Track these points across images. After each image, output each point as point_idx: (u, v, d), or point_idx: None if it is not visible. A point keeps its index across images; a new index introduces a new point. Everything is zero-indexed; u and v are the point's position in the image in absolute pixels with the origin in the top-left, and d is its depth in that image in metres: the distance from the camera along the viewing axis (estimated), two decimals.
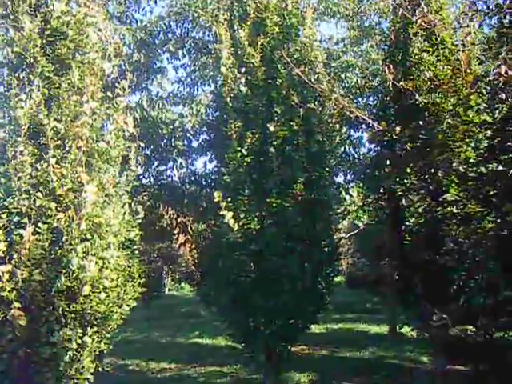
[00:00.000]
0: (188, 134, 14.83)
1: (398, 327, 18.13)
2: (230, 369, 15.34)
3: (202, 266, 13.01)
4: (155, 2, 15.88)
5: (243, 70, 11.16)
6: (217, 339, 19.92)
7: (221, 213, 10.42)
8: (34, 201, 8.65)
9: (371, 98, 17.28)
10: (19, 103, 9.04)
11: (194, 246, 14.97)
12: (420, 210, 11.41)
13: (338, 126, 12.60)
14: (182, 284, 42.17)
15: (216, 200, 10.42)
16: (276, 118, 10.85)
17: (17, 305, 8.26)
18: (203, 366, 16.06)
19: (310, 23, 11.99)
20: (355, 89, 16.66)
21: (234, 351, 16.41)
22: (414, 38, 12.24)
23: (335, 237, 12.03)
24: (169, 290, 41.54)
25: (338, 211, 12.96)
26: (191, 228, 15.41)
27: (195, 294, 32.18)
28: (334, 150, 12.07)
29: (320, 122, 11.31)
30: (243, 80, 11.09)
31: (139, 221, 10.20)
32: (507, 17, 7.67)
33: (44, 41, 9.60)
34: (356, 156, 17.02)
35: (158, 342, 20.66)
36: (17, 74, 9.41)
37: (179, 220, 15.90)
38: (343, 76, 16.95)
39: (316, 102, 11.23)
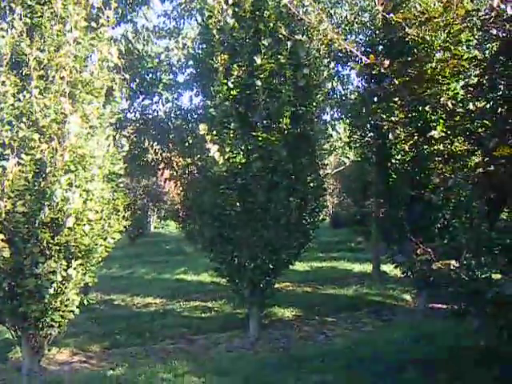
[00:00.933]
0: (174, 68, 14.62)
1: (381, 266, 18.30)
2: (214, 304, 15.44)
3: (186, 201, 12.93)
4: None
5: (230, 1, 10.90)
6: (202, 275, 20.06)
7: (206, 146, 10.34)
8: (17, 132, 8.55)
9: (360, 36, 17.01)
10: (0, 32, 8.86)
11: (179, 181, 14.89)
12: (406, 147, 11.37)
13: (325, 60, 12.41)
14: (168, 221, 42.25)
15: (202, 133, 10.33)
16: (263, 51, 10.65)
17: (0, 236, 8.24)
18: (188, 301, 16.15)
19: None
20: (344, 24, 16.38)
21: (218, 287, 16.60)
22: None
23: (321, 172, 11.94)
24: (154, 227, 41.65)
25: (324, 147, 12.86)
26: (176, 163, 15.28)
27: (181, 231, 32.36)
28: (321, 85, 11.85)
29: (308, 55, 11.11)
30: (230, 12, 10.86)
31: (124, 154, 10.10)
32: None
33: None
34: (343, 93, 16.87)
35: (143, 278, 20.79)
36: None
37: (164, 155, 15.77)
38: (332, 11, 16.64)
39: (304, 35, 11.01)
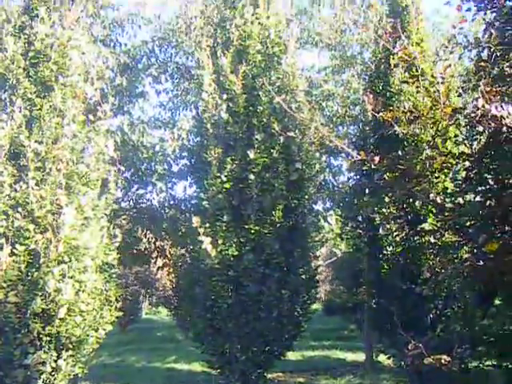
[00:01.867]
0: (168, 159, 14.84)
1: (374, 355, 18.10)
2: None
3: (179, 290, 12.93)
4: (139, 27, 15.92)
5: (224, 96, 11.21)
6: (193, 365, 19.75)
7: (199, 238, 10.43)
8: (13, 222, 8.67)
9: (351, 127, 17.40)
10: (0, 124, 9.06)
11: (171, 270, 14.92)
12: (398, 238, 11.49)
13: (317, 154, 12.68)
14: (160, 308, 41.82)
15: (195, 225, 10.44)
16: (256, 145, 10.90)
17: None
18: None
19: (293, 52, 12.10)
20: (336, 117, 16.79)
21: (209, 377, 16.35)
22: (394, 69, 12.38)
23: (313, 264, 12.00)
24: (146, 313, 41.17)
25: (316, 239, 12.96)
26: (169, 252, 15.37)
27: (172, 318, 32.01)
28: (313, 178, 12.08)
29: (300, 149, 11.37)
30: (224, 107, 11.15)
31: (117, 244, 10.18)
32: (485, 51, 7.81)
33: (27, 62, 9.71)
34: (335, 184, 17.11)
35: (133, 367, 20.45)
36: None
37: (157, 244, 15.86)
38: (324, 104, 17.09)
39: (296, 130, 11.28)
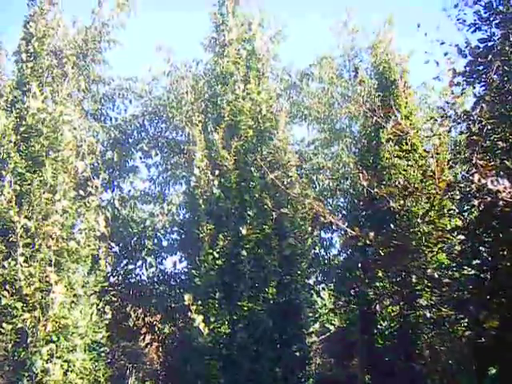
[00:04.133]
0: (158, 233, 14.71)
1: None
2: None
3: (168, 367, 12.64)
4: (130, 102, 15.96)
5: (216, 172, 11.18)
6: None
7: (191, 316, 10.21)
8: (0, 300, 8.44)
9: (341, 199, 17.36)
10: None
11: (160, 346, 14.63)
12: (393, 314, 11.35)
13: (309, 228, 12.60)
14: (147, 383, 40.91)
15: (186, 303, 10.22)
16: (248, 221, 10.85)
17: None
18: None
19: (284, 127, 12.15)
20: (326, 191, 16.76)
21: None
22: (385, 143, 12.45)
23: (307, 341, 11.77)
24: None
25: (310, 314, 12.78)
26: (158, 328, 15.09)
27: None
28: (305, 253, 11.98)
29: (292, 225, 11.29)
30: (216, 182, 11.11)
31: (107, 322, 9.94)
32: (476, 124, 7.85)
33: (18, 137, 9.66)
34: (326, 257, 16.95)
35: None
36: None
37: (146, 320, 15.53)
38: (314, 178, 17.07)
39: (289, 206, 11.22)
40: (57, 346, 8.50)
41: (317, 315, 17.02)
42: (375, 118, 11.20)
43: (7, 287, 8.56)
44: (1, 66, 10.89)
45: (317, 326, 17.80)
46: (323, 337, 19.49)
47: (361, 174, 8.42)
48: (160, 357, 16.87)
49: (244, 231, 10.68)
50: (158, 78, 16.25)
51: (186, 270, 12.00)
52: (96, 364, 9.51)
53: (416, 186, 8.53)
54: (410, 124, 11.84)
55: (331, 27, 18.68)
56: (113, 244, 10.76)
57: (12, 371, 8.28)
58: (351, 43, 18.45)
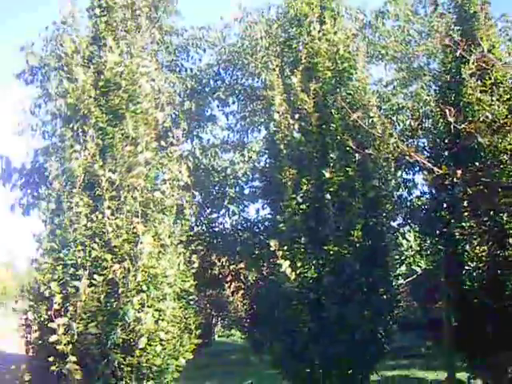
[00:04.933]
0: (239, 181, 14.75)
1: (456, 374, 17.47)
2: None
3: (253, 313, 12.75)
4: (204, 51, 15.93)
5: (296, 116, 11.02)
6: None
7: (277, 261, 10.19)
8: (90, 252, 8.62)
9: (423, 140, 17.00)
10: (74, 154, 9.09)
11: (245, 293, 14.78)
12: (481, 254, 11.10)
13: (392, 169, 12.34)
14: (232, 331, 41.68)
15: (272, 249, 10.20)
16: (331, 164, 10.66)
17: (72, 358, 8.19)
18: None
19: (362, 67, 11.83)
20: (407, 131, 16.40)
21: None
22: (467, 78, 12.04)
23: (393, 283, 11.64)
24: (218, 336, 41.04)
25: (396, 257, 12.64)
26: (243, 275, 15.26)
27: (245, 341, 31.75)
28: (389, 195, 11.76)
29: (376, 166, 11.06)
30: (296, 126, 10.95)
31: (194, 270, 10.04)
32: None
33: (97, 92, 9.71)
34: (410, 199, 16.71)
35: None
36: (71, 126, 9.46)
37: (231, 267, 15.72)
38: (394, 118, 16.74)
39: (371, 147, 10.99)
40: (147, 295, 8.61)
41: (403, 257, 16.89)
42: (458, 52, 10.82)
43: (96, 240, 8.69)
44: (76, 23, 10.88)
45: (403, 268, 17.69)
46: (410, 279, 19.38)
47: (447, 111, 8.17)
48: (245, 304, 17.11)
49: (327, 174, 10.52)
50: (231, 25, 16.15)
51: (269, 216, 11.94)
52: (185, 312, 9.62)
53: (505, 121, 8.20)
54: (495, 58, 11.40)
55: None
56: (196, 193, 10.78)
57: (106, 321, 8.43)
58: None
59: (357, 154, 10.69)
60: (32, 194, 13.93)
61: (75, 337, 8.33)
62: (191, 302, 9.95)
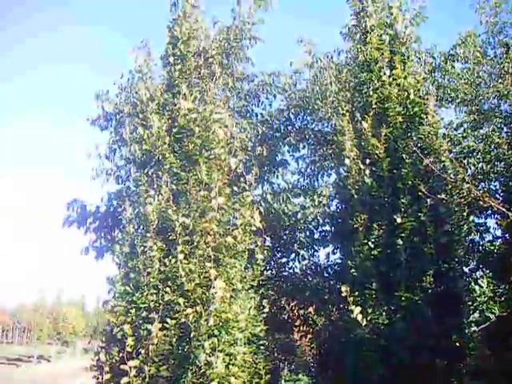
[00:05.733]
0: (310, 226, 14.74)
1: None
2: None
3: (322, 358, 12.63)
4: (274, 96, 16.08)
5: (367, 161, 11.02)
6: None
7: (348, 307, 10.12)
8: (163, 296, 8.73)
9: (495, 183, 16.74)
10: (148, 199, 9.27)
11: (313, 337, 14.66)
12: None
13: (465, 214, 12.16)
14: (300, 376, 41.21)
15: (343, 294, 10.13)
16: (403, 209, 10.59)
17: None
18: None
19: (432, 111, 11.79)
20: (479, 174, 16.17)
21: None
22: None
23: (466, 331, 11.39)
24: (285, 381, 40.61)
25: (469, 303, 12.39)
26: (312, 320, 15.16)
27: None
28: (461, 240, 11.59)
29: (448, 211, 10.93)
30: (367, 171, 10.94)
31: (264, 315, 10.05)
32: None
33: (171, 138, 9.92)
34: (482, 244, 16.39)
35: None
36: (145, 171, 9.68)
37: (300, 312, 15.63)
38: (465, 162, 16.54)
39: (443, 192, 10.88)
40: (218, 339, 8.64)
41: (476, 304, 16.52)
42: None
43: (169, 284, 8.81)
44: (150, 71, 11.19)
45: (476, 315, 17.29)
46: (483, 326, 18.90)
47: None
48: (312, 349, 16.94)
49: (399, 220, 10.45)
50: (301, 70, 16.25)
51: (339, 261, 11.92)
52: (256, 357, 9.61)
53: None
54: None
55: (473, 3, 18.06)
56: (268, 238, 10.84)
57: (177, 364, 8.49)
58: (494, 18, 17.71)
59: (428, 199, 10.59)
60: (105, 238, 14.16)
61: (147, 379, 8.41)
62: (261, 347, 9.93)
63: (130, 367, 8.37)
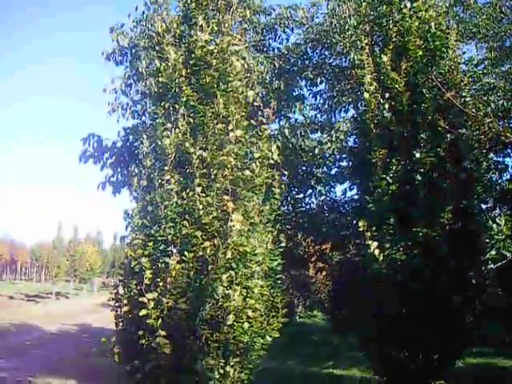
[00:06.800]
0: (327, 161, 14.67)
1: None
2: None
3: (337, 295, 12.69)
4: (291, 30, 15.85)
5: (386, 95, 10.84)
6: (351, 370, 19.43)
7: (365, 242, 10.10)
8: (180, 229, 8.70)
9: None
10: (165, 132, 9.16)
11: (329, 274, 14.72)
12: None
13: (484, 151, 12.00)
14: (314, 312, 41.77)
15: (361, 229, 10.10)
16: (422, 145, 10.46)
17: (162, 333, 8.31)
18: None
19: (454, 45, 11.53)
20: (499, 111, 15.93)
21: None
22: None
23: (482, 268, 11.36)
24: (299, 317, 41.19)
25: (486, 241, 12.30)
26: (328, 256, 15.22)
27: (327, 322, 31.73)
28: (481, 177, 11.46)
29: (468, 147, 10.79)
30: (387, 106, 10.78)
31: (281, 249, 10.05)
32: None
33: (188, 70, 9.73)
34: (500, 182, 16.25)
35: (293, 371, 20.29)
36: (162, 104, 9.54)
37: (316, 248, 15.68)
38: (485, 98, 16.29)
39: (464, 127, 10.72)
40: (236, 272, 8.65)
41: (493, 242, 16.45)
42: None
43: (187, 217, 8.77)
44: (166, 3, 10.97)
45: (493, 253, 17.20)
46: (499, 264, 18.89)
47: None
48: (327, 286, 17.07)
49: (418, 155, 10.33)
50: (319, 3, 15.97)
51: (356, 197, 11.82)
52: (272, 291, 9.64)
53: None
54: None
55: None
56: (286, 172, 10.76)
57: (194, 297, 8.52)
58: None
59: (448, 135, 10.46)
60: (122, 173, 14.18)
61: (165, 311, 8.45)
62: (278, 281, 9.95)
63: (149, 299, 8.40)
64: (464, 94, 11.01)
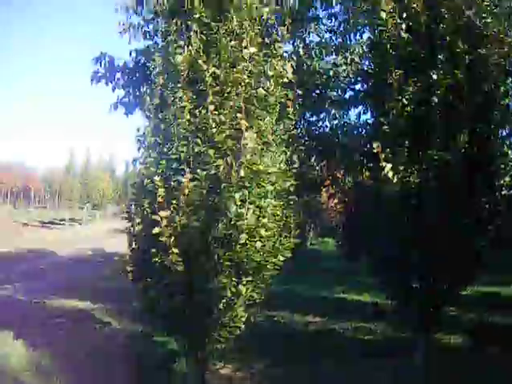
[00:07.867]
0: (342, 84, 14.47)
1: None
2: (376, 326, 15.09)
3: (349, 220, 12.69)
4: None
5: (404, 15, 10.58)
6: (362, 295, 19.68)
7: (380, 164, 10.02)
8: (193, 147, 8.65)
9: None
10: (178, 49, 9.02)
11: (344, 199, 14.69)
12: None
13: (504, 75, 11.75)
14: (325, 238, 42.00)
15: (375, 151, 10.02)
16: (439, 66, 10.24)
17: (175, 250, 8.35)
18: (348, 321, 15.85)
19: None
20: None
21: (379, 308, 16.19)
22: None
23: (496, 194, 11.30)
24: (311, 244, 41.47)
25: (502, 166, 12.20)
26: (342, 180, 15.16)
27: (338, 249, 31.93)
28: (498, 102, 11.26)
29: (486, 70, 10.57)
30: (404, 26, 10.53)
31: (294, 170, 10.00)
32: None
33: None
34: None
35: (301, 296, 20.60)
36: (174, 21, 9.36)
37: (330, 172, 15.62)
38: (507, 19, 15.88)
39: (483, 49, 10.48)
40: (249, 191, 8.62)
41: (508, 168, 16.36)
42: None
43: (199, 135, 8.69)
44: None
45: (507, 179, 17.10)
46: None
47: None
48: (339, 213, 17.07)
49: (434, 76, 10.13)
50: None
51: (370, 121, 11.67)
52: (285, 211, 9.62)
53: None
54: None
55: None
56: (300, 92, 10.61)
57: (208, 216, 8.52)
58: None
59: (467, 56, 10.25)
60: (134, 94, 14.05)
61: (178, 229, 8.47)
62: (291, 202, 9.92)
63: (161, 217, 8.42)
64: (484, 15, 10.72)
